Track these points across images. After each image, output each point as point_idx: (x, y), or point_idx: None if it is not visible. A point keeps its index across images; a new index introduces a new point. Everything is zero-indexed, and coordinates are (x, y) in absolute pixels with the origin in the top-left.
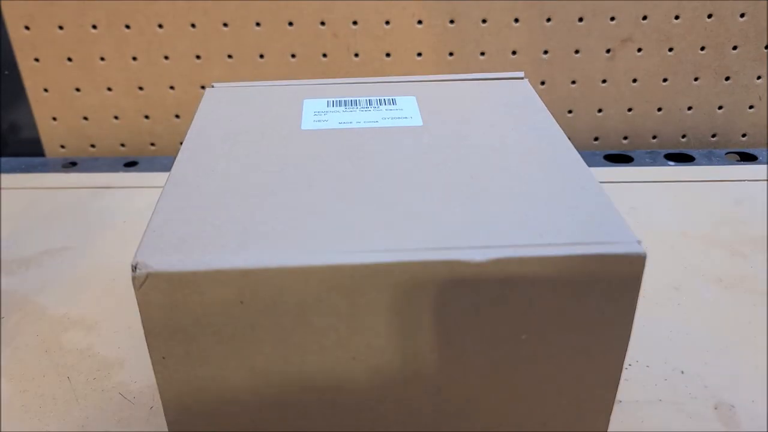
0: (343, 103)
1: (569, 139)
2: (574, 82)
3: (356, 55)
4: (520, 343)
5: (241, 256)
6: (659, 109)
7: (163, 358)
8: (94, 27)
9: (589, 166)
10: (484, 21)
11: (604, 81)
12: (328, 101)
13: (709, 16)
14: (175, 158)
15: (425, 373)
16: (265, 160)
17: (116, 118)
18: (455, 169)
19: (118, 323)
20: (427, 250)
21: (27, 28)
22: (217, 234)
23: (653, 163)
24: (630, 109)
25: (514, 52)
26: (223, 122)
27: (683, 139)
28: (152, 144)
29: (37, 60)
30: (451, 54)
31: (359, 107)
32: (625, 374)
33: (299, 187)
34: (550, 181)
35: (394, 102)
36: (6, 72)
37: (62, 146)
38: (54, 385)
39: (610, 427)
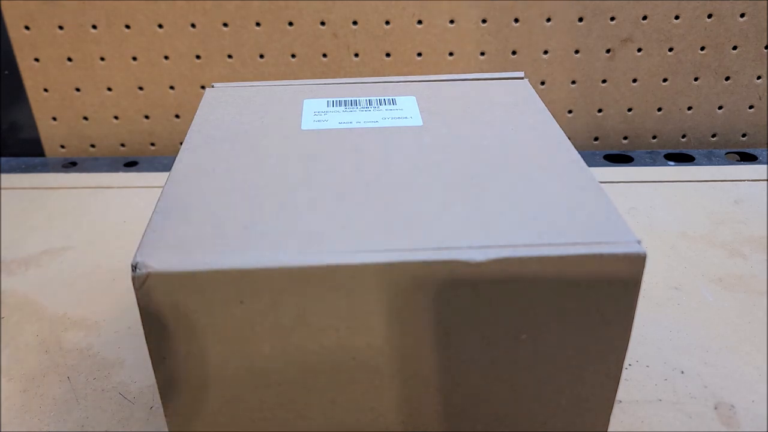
0: (343, 103)
1: (569, 139)
2: (574, 82)
3: (356, 55)
4: (520, 343)
5: (241, 256)
6: (659, 109)
7: (163, 358)
8: (94, 27)
9: (589, 166)
10: (484, 21)
11: (604, 81)
12: (328, 101)
13: (709, 16)
14: (175, 158)
15: (425, 373)
16: (265, 160)
17: (116, 118)
18: (455, 169)
19: (118, 323)
20: (427, 250)
21: (27, 28)
22: (217, 234)
23: (653, 163)
24: (630, 109)
25: (514, 52)
26: (223, 122)
27: (683, 139)
28: (152, 144)
29: (37, 60)
30: (451, 54)
31: (359, 107)
32: (625, 374)
33: (299, 187)
34: (549, 181)
35: (394, 102)
36: (6, 72)
37: (62, 146)
38: (54, 385)
39: (610, 427)
